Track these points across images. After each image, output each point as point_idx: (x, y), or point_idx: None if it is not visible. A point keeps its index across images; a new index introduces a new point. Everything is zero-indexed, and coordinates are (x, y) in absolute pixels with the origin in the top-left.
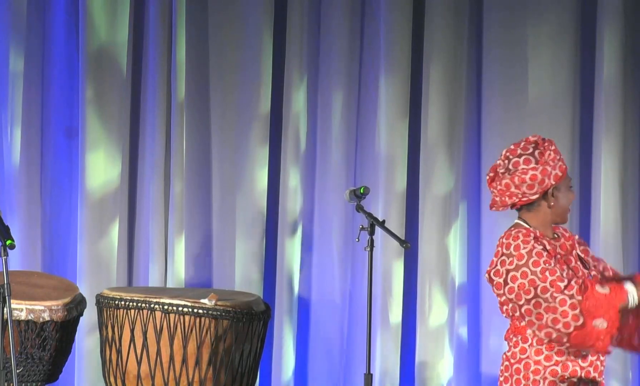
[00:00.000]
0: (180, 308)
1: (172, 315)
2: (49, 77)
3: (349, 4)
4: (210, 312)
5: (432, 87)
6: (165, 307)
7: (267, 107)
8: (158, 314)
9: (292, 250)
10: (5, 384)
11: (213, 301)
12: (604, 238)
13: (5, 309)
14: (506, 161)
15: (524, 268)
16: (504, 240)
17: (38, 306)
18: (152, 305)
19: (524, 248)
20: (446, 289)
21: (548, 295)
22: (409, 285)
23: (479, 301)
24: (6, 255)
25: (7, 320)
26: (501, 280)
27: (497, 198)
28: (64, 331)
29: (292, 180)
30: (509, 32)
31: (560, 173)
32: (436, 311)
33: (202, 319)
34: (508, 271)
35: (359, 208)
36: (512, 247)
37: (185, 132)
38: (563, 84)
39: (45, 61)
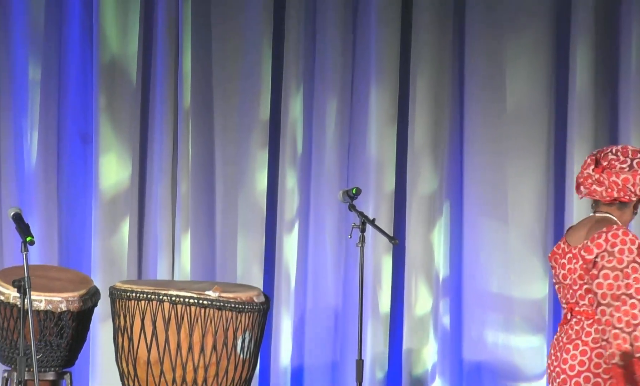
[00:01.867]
0: (186, 300)
1: (179, 306)
2: (65, 86)
3: (342, 18)
4: (214, 303)
5: (419, 97)
6: (173, 298)
7: (267, 114)
8: (166, 305)
9: (289, 247)
10: (26, 369)
11: (217, 294)
12: None
13: (25, 300)
14: (628, 159)
15: (618, 273)
16: (610, 238)
17: (56, 297)
18: (160, 297)
19: (628, 256)
20: (431, 281)
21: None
22: (396, 278)
23: (461, 292)
24: (26, 250)
25: (27, 310)
26: (596, 272)
27: (600, 188)
28: (79, 320)
29: (290, 181)
30: (489, 45)
31: None
32: (421, 301)
33: (207, 310)
34: (603, 267)
35: (352, 207)
36: (617, 247)
37: (191, 137)
38: (539, 94)
39: (62, 71)
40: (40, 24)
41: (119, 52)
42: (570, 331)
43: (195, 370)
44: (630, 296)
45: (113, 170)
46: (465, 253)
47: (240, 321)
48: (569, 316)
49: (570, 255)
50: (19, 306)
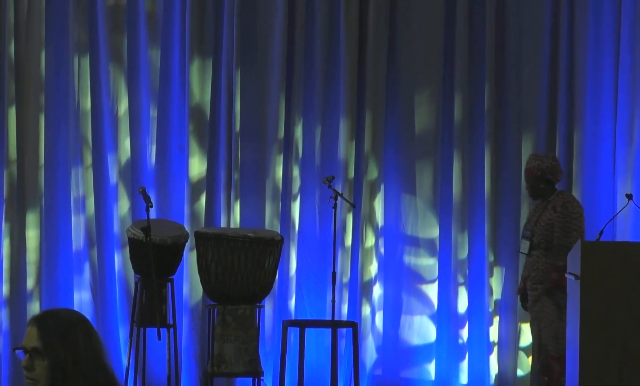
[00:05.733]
0: (237, 238)
1: (232, 242)
2: (170, 119)
3: (324, 82)
4: (252, 239)
5: (367, 124)
6: (229, 237)
7: (282, 134)
8: (225, 241)
9: (295, 209)
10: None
11: (253, 234)
12: (455, 204)
13: (147, 238)
14: None
15: None
16: None
17: (164, 236)
18: (222, 237)
19: None
20: (374, 228)
21: None
22: (355, 227)
23: (390, 234)
24: (148, 211)
25: (148, 244)
26: None
27: None
28: (178, 250)
29: (295, 172)
30: (404, 95)
31: None
32: (368, 240)
33: (248, 243)
34: None
35: (330, 187)
36: None
37: (240, 148)
38: (434, 124)
39: (168, 110)
40: (156, 83)
41: (199, 100)
42: None
43: (242, 278)
44: None
45: (196, 166)
46: (393, 212)
47: (267, 250)
48: None
49: None
50: (144, 241)
